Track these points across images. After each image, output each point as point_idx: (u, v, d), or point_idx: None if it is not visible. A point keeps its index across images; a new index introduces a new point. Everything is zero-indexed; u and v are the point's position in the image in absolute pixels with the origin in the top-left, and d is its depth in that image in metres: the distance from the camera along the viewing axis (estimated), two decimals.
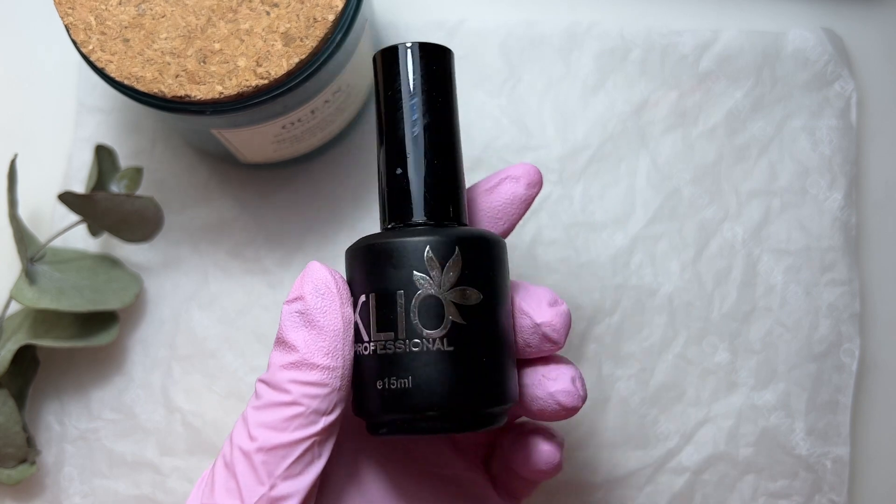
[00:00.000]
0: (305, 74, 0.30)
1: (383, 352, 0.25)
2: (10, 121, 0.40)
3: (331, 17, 0.30)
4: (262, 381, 0.26)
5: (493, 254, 0.26)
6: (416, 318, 0.25)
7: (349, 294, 0.26)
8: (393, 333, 0.25)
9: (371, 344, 0.25)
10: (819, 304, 0.39)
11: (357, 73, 0.35)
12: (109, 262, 0.38)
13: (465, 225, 0.27)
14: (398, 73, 0.27)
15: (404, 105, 0.27)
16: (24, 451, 0.36)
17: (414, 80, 0.27)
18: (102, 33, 0.30)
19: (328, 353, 0.25)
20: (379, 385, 0.25)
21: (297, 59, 0.30)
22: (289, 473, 0.24)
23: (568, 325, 0.27)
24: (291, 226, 0.39)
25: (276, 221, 0.39)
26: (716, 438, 0.38)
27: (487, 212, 0.29)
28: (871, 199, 0.40)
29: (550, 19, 0.40)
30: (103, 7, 0.30)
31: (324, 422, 0.25)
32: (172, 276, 0.39)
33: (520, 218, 0.29)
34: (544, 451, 0.29)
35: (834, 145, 0.40)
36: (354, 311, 0.26)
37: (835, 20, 0.41)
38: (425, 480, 0.29)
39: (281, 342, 0.26)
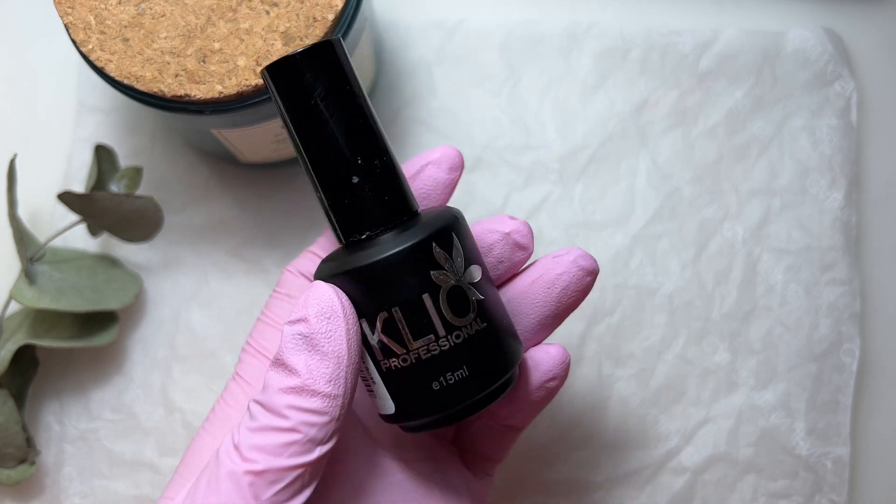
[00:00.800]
0: None
1: (428, 355, 0.25)
2: (10, 120, 0.40)
3: (330, 17, 0.30)
4: (257, 402, 0.25)
5: (466, 224, 0.27)
6: (448, 312, 0.25)
7: (356, 318, 0.25)
8: (432, 335, 0.25)
9: (412, 353, 0.25)
10: (819, 304, 0.38)
11: (357, 72, 0.34)
12: (109, 261, 0.38)
13: (418, 212, 0.27)
14: (310, 86, 0.24)
15: (331, 114, 0.25)
16: (24, 451, 0.36)
17: (328, 86, 0.25)
18: (102, 33, 0.30)
19: (331, 381, 0.24)
20: (436, 386, 0.25)
21: None
22: (275, 500, 0.24)
23: (532, 233, 0.28)
24: (291, 226, 0.39)
25: (276, 221, 0.39)
26: (716, 438, 0.38)
27: None
28: (872, 198, 0.40)
29: (550, 19, 0.40)
30: (103, 6, 0.30)
31: (319, 451, 0.24)
32: (172, 276, 0.39)
33: (445, 202, 0.29)
34: (551, 350, 0.28)
35: (834, 145, 0.40)
36: (373, 332, 0.25)
37: (835, 20, 0.41)
38: (433, 468, 0.29)
39: (281, 364, 0.25)
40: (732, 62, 0.40)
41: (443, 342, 0.25)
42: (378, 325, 0.25)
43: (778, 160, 0.39)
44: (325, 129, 0.25)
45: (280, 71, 0.25)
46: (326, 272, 0.25)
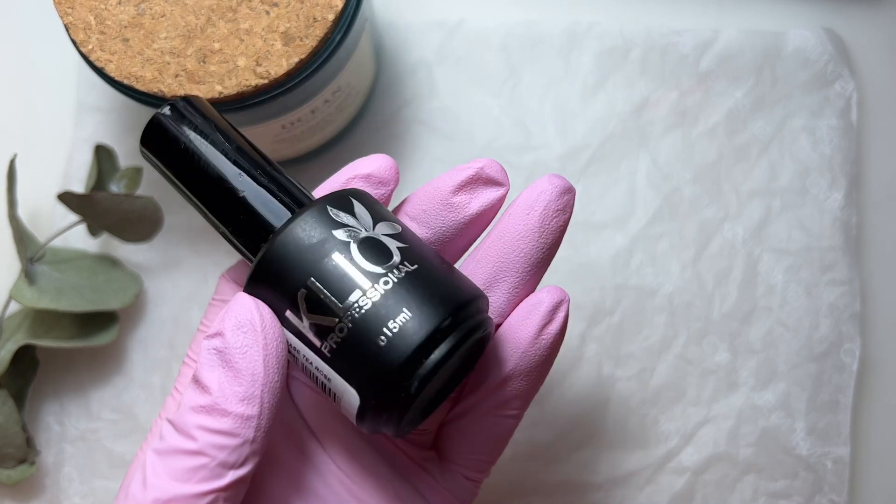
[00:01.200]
0: (305, 74, 0.30)
1: (361, 312, 0.23)
2: (10, 121, 0.40)
3: (330, 17, 0.30)
4: (169, 420, 0.23)
5: (372, 197, 0.26)
6: (367, 262, 0.23)
7: (278, 332, 0.23)
8: (359, 291, 0.23)
9: (346, 318, 0.23)
10: (819, 304, 0.38)
11: (357, 72, 0.35)
12: (109, 262, 0.38)
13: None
14: (177, 135, 0.25)
15: (204, 152, 0.25)
16: (24, 452, 0.36)
17: (192, 129, 0.25)
18: (102, 33, 0.30)
19: (244, 400, 0.22)
20: (381, 341, 0.23)
21: (296, 59, 0.30)
22: None
23: (504, 169, 0.27)
24: None
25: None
26: (716, 438, 0.38)
27: None
28: (872, 198, 0.40)
29: (550, 19, 0.40)
30: (103, 6, 0.30)
31: (231, 476, 0.22)
32: (172, 276, 0.39)
33: None
34: (543, 292, 0.26)
35: (834, 145, 0.39)
36: (302, 318, 0.23)
37: (835, 20, 0.41)
38: (381, 465, 0.28)
39: (195, 380, 0.23)
40: (733, 62, 0.40)
41: (371, 293, 0.23)
42: (302, 306, 0.23)
43: (778, 160, 0.39)
44: (198, 169, 0.25)
45: (148, 138, 0.26)
46: (246, 281, 0.24)
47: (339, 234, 0.24)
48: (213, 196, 0.25)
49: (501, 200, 0.27)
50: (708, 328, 0.38)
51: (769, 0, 0.41)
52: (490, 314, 0.27)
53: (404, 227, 0.25)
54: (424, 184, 0.27)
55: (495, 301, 0.27)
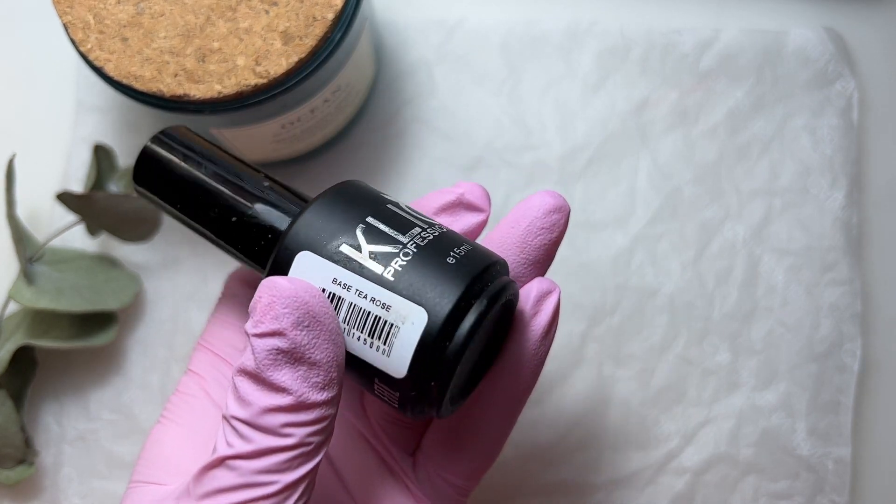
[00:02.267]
0: (305, 73, 0.30)
1: (424, 241, 0.23)
2: (9, 120, 0.40)
3: (330, 16, 0.30)
4: (243, 421, 0.22)
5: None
6: (418, 215, 0.25)
7: (331, 309, 0.23)
8: (418, 227, 0.24)
9: (410, 244, 0.23)
10: (820, 304, 0.38)
11: (357, 71, 0.34)
12: (108, 261, 0.38)
13: None
14: (170, 164, 0.27)
15: (202, 173, 0.27)
16: (23, 452, 0.36)
17: (182, 155, 0.27)
18: (101, 32, 0.30)
19: (325, 387, 0.22)
20: (451, 259, 0.23)
21: (296, 58, 0.30)
22: None
23: (487, 195, 0.27)
24: None
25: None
26: (717, 439, 0.38)
27: None
28: (873, 198, 0.40)
29: (551, 18, 0.40)
30: (102, 6, 0.30)
31: (324, 449, 0.23)
32: (171, 276, 0.39)
33: None
34: (530, 287, 0.25)
35: (835, 144, 0.39)
36: (360, 249, 0.23)
37: (836, 19, 0.41)
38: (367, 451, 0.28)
39: (261, 381, 0.22)
40: (733, 61, 0.40)
41: (429, 231, 0.24)
42: (362, 239, 0.23)
43: (779, 160, 0.39)
44: (200, 189, 0.27)
45: (140, 172, 0.27)
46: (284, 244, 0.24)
47: (386, 200, 0.25)
48: (218, 214, 0.26)
49: (481, 226, 0.27)
50: (708, 328, 0.38)
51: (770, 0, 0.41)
52: None
53: None
54: (411, 202, 0.28)
55: None
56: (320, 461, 0.23)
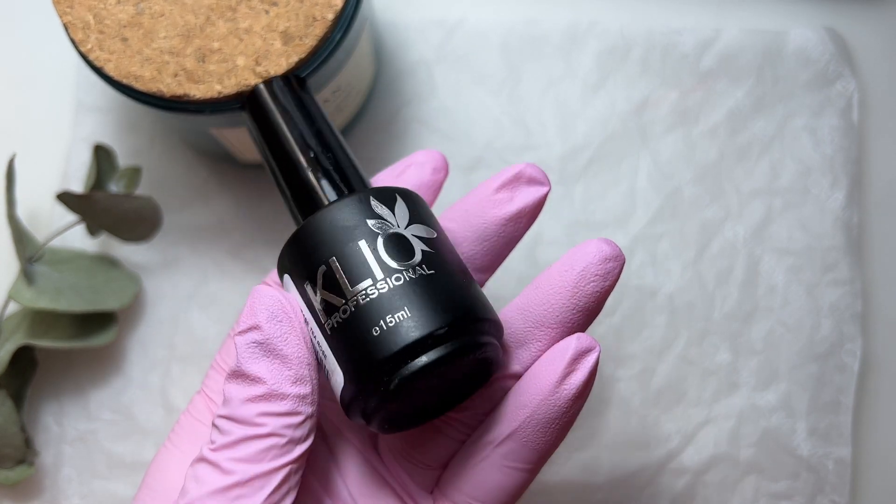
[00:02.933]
0: (305, 74, 0.30)
1: (366, 300, 0.23)
2: (9, 120, 0.40)
3: (330, 16, 0.30)
4: (224, 416, 0.24)
5: (423, 203, 0.27)
6: (387, 255, 0.24)
7: (302, 317, 0.25)
8: (370, 280, 0.24)
9: (351, 301, 0.24)
10: (821, 304, 0.38)
11: (356, 72, 0.34)
12: (108, 262, 0.38)
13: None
14: (267, 107, 0.29)
15: (286, 127, 0.29)
16: (23, 452, 0.36)
17: (281, 107, 0.29)
18: (101, 32, 0.30)
19: (296, 381, 0.24)
20: (375, 331, 0.23)
21: (296, 59, 0.30)
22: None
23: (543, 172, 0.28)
24: (290, 225, 0.39)
25: (275, 221, 0.39)
26: (717, 439, 0.38)
27: None
28: (873, 198, 0.40)
29: (551, 18, 0.40)
30: (101, 6, 0.30)
31: (299, 449, 0.24)
32: (171, 276, 0.39)
33: (429, 205, 0.28)
34: (571, 338, 0.25)
35: (835, 145, 0.39)
36: (316, 292, 0.24)
37: (836, 19, 0.41)
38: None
39: (240, 375, 0.24)
40: (733, 62, 0.40)
41: (381, 284, 0.24)
42: (319, 281, 0.24)
43: (779, 160, 0.39)
44: (279, 140, 0.29)
45: (249, 103, 0.30)
46: (281, 250, 0.26)
47: (372, 223, 0.25)
48: (283, 165, 0.29)
49: (542, 200, 0.27)
50: (709, 328, 0.38)
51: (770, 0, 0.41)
52: (515, 365, 0.26)
53: (441, 235, 0.26)
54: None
55: (517, 351, 0.26)
56: (299, 465, 0.24)
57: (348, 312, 0.24)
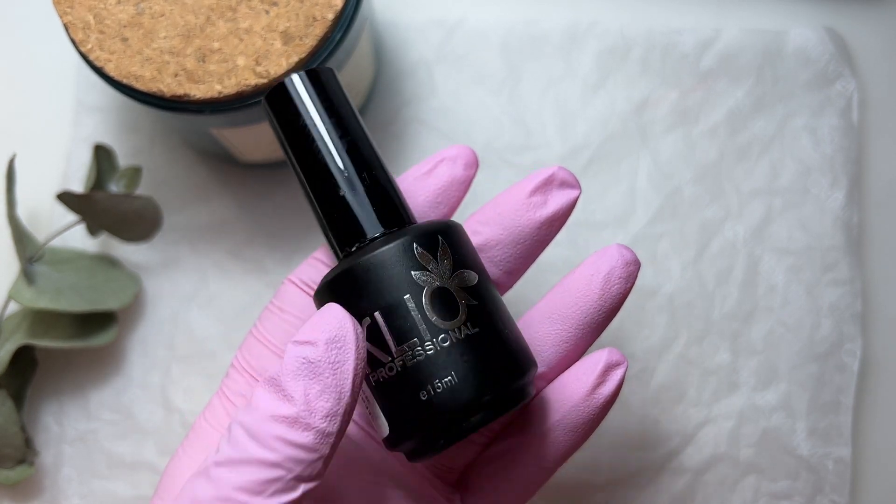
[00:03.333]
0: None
1: (413, 362, 0.23)
2: (9, 120, 0.40)
3: (330, 16, 0.30)
4: (242, 424, 0.23)
5: (464, 235, 0.26)
6: (433, 314, 0.24)
7: (365, 353, 0.23)
8: (417, 339, 0.24)
9: (397, 360, 0.24)
10: (821, 304, 0.38)
11: (356, 72, 0.34)
12: (108, 262, 0.38)
13: (416, 222, 0.27)
14: (299, 107, 0.26)
15: (319, 134, 0.26)
16: (23, 452, 0.36)
17: (317, 106, 0.26)
18: (101, 32, 0.30)
19: (328, 416, 0.22)
20: (423, 396, 0.23)
21: (296, 58, 0.30)
22: None
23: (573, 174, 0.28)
24: (291, 225, 0.39)
25: (275, 221, 0.39)
26: (717, 439, 0.38)
27: (426, 197, 0.28)
28: (873, 198, 0.40)
29: (551, 18, 0.40)
30: (102, 6, 0.30)
31: (302, 489, 0.22)
32: (171, 276, 0.39)
33: (459, 202, 0.29)
34: (596, 354, 0.27)
35: (835, 144, 0.39)
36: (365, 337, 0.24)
37: (836, 19, 0.41)
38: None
39: (276, 385, 0.23)
40: (733, 61, 0.40)
41: (428, 346, 0.24)
42: (364, 333, 0.24)
43: (779, 160, 0.39)
44: (313, 149, 0.26)
45: (274, 97, 0.26)
46: (319, 287, 0.25)
47: (417, 276, 0.24)
48: (316, 182, 0.26)
49: (574, 203, 0.28)
50: (709, 328, 0.38)
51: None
52: (542, 367, 0.28)
53: (482, 277, 0.26)
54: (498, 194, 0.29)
55: (545, 352, 0.28)
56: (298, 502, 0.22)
57: (395, 371, 0.24)
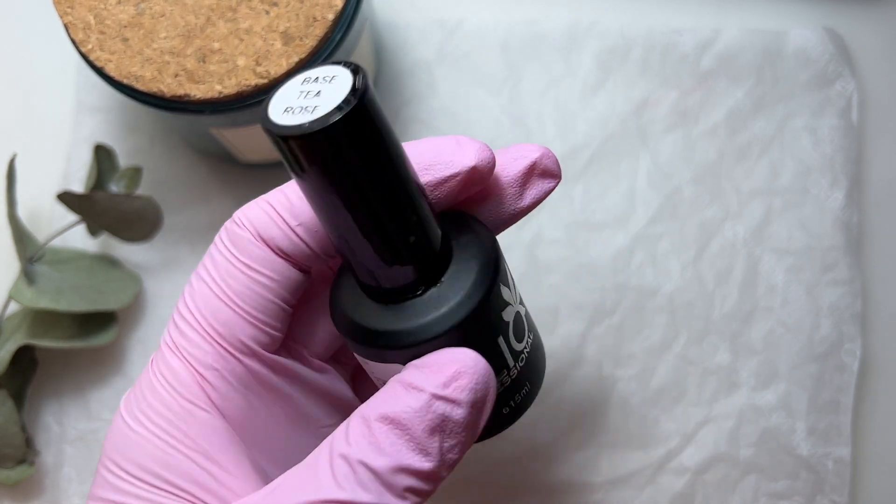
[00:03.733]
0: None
1: (502, 389, 0.24)
2: (9, 120, 0.40)
3: (330, 17, 0.30)
4: (373, 471, 0.21)
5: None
6: (515, 340, 0.24)
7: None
8: (505, 370, 0.24)
9: (508, 373, 0.24)
10: (820, 304, 0.38)
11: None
12: (108, 262, 0.38)
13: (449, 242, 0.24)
14: (353, 150, 0.19)
15: (369, 182, 0.20)
16: (23, 452, 0.36)
17: (366, 153, 0.20)
18: (101, 32, 0.30)
19: (451, 467, 0.22)
20: (505, 411, 0.25)
21: (296, 59, 0.30)
22: None
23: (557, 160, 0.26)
24: None
25: None
26: (717, 439, 0.38)
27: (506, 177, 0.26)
28: (873, 198, 0.40)
29: (551, 18, 0.40)
30: (102, 6, 0.30)
31: None
32: (172, 276, 0.39)
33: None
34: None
35: (835, 144, 0.39)
36: None
37: (836, 19, 0.41)
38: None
39: (412, 438, 0.21)
40: (733, 62, 0.40)
41: (513, 371, 0.24)
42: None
43: (779, 160, 0.39)
44: (363, 197, 0.20)
45: (312, 146, 0.19)
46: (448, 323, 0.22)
47: (506, 314, 0.23)
48: (378, 232, 0.21)
49: (551, 192, 0.26)
50: (708, 328, 0.38)
51: (770, 0, 0.41)
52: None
53: (513, 280, 0.25)
54: None
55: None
56: None
57: (509, 380, 0.24)
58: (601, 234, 0.39)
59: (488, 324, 0.22)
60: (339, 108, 0.18)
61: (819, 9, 0.41)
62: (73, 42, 0.30)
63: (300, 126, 0.18)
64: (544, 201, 0.38)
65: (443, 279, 0.22)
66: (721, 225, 0.39)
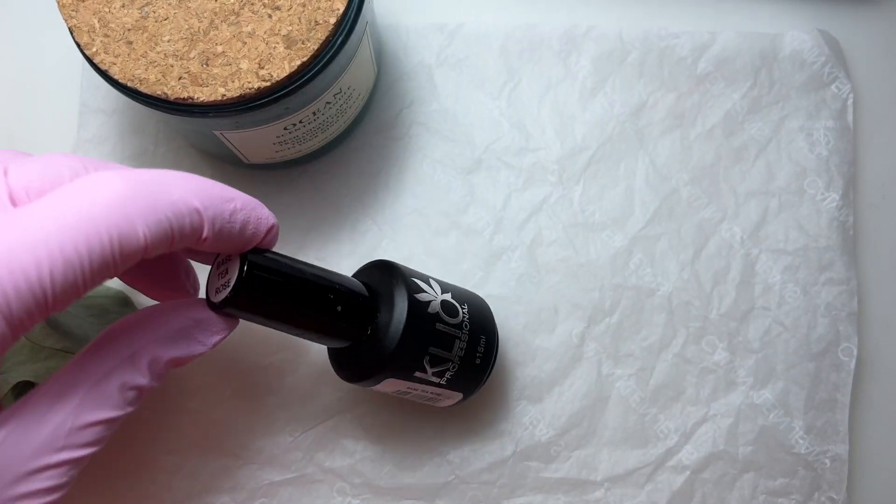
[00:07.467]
0: (307, 77, 0.30)
1: (461, 354, 0.33)
2: (13, 122, 0.41)
3: (332, 20, 0.30)
4: None
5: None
6: (450, 318, 0.33)
7: None
8: (458, 341, 0.33)
9: (455, 359, 0.33)
10: (817, 304, 0.39)
11: (358, 75, 0.35)
12: (122, 300, 0.38)
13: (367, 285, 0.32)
14: (265, 282, 0.29)
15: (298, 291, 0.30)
16: None
17: (278, 274, 0.29)
18: (106, 35, 0.30)
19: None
20: (477, 360, 0.34)
21: (298, 62, 0.30)
22: None
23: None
24: (293, 226, 0.39)
25: (279, 221, 0.39)
26: (715, 437, 0.38)
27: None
28: (868, 199, 0.40)
29: (549, 22, 0.41)
30: (107, 9, 0.30)
31: None
32: None
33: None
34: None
35: (831, 146, 0.40)
36: (427, 371, 0.32)
37: (831, 22, 0.41)
38: None
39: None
40: (730, 64, 0.40)
41: (464, 336, 0.33)
42: (428, 365, 0.32)
43: (775, 161, 0.40)
44: (288, 314, 0.30)
45: (239, 294, 0.28)
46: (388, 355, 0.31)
47: (432, 308, 0.32)
48: (314, 318, 0.30)
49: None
50: (706, 328, 0.39)
51: (765, 2, 0.41)
52: None
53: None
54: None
55: None
56: None
57: (456, 367, 0.33)
58: (600, 235, 0.39)
59: (421, 328, 0.31)
60: (234, 284, 0.28)
61: (814, 11, 0.41)
62: (78, 45, 0.31)
63: (226, 299, 0.28)
64: (544, 203, 0.39)
65: (378, 315, 0.31)
66: (718, 225, 0.39)
